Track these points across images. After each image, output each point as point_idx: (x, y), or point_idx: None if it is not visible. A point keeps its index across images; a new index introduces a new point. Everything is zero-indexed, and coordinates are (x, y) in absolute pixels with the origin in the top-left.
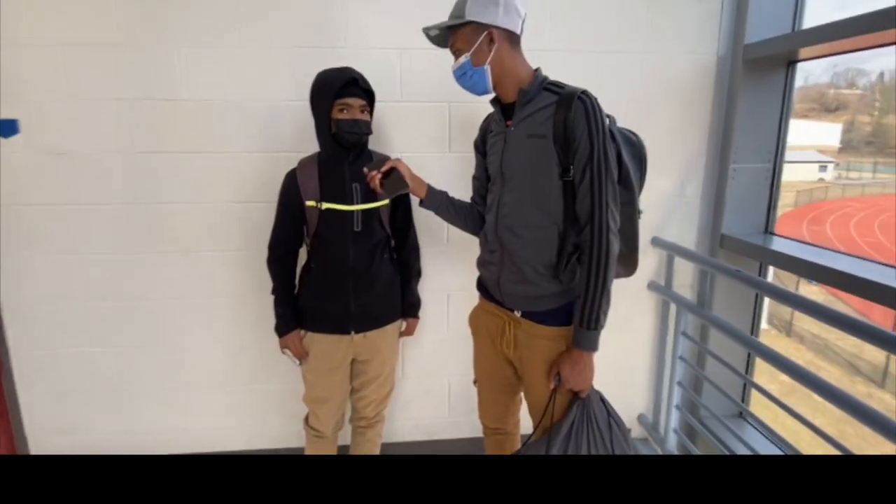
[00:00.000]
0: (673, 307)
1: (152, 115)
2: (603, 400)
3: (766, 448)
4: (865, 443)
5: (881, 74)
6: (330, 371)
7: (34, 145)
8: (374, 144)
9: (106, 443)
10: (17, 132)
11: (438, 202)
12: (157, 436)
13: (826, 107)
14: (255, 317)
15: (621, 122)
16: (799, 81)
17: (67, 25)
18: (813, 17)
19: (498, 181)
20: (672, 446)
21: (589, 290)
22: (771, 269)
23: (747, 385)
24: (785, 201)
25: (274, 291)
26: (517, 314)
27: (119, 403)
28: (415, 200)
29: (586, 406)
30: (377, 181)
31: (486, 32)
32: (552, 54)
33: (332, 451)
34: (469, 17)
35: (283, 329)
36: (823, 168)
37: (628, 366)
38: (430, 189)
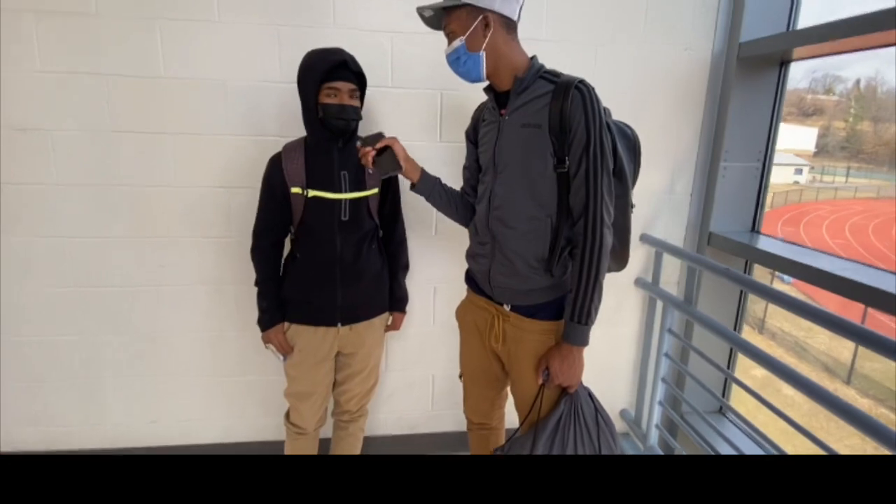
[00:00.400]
0: (659, 304)
1: (127, 92)
2: (591, 396)
3: (746, 443)
4: (831, 436)
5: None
6: (315, 365)
7: None
8: (362, 131)
9: (76, 434)
10: None
11: (431, 188)
12: (128, 427)
13: (804, 111)
14: (234, 305)
15: (614, 115)
16: None
17: None
18: (806, 19)
19: (490, 171)
20: (654, 442)
21: (581, 284)
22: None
23: (728, 380)
24: None
25: (257, 283)
26: (506, 308)
27: (89, 394)
28: (404, 185)
29: (574, 401)
30: (370, 158)
31: (481, 16)
32: (547, 44)
33: (314, 449)
34: None
35: (266, 322)
36: (799, 171)
37: (612, 361)
38: (424, 173)
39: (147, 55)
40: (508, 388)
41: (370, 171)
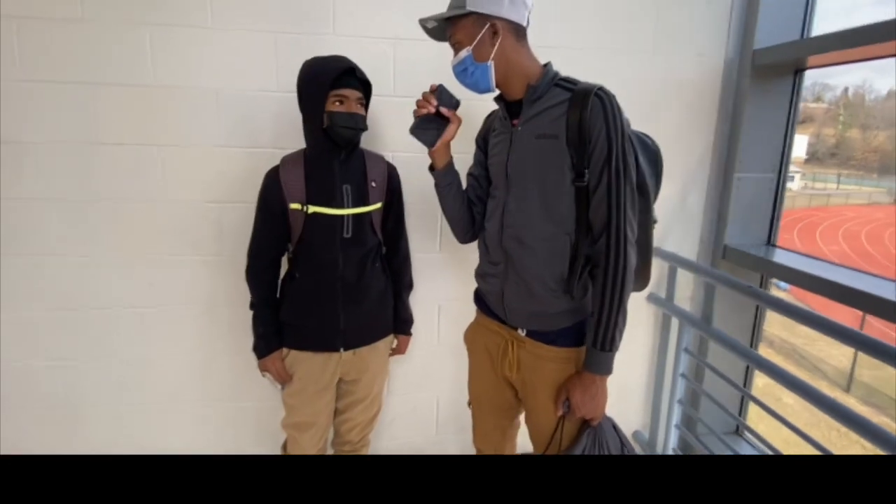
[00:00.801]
0: (674, 321)
1: (113, 101)
2: (615, 427)
3: None
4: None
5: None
6: (316, 393)
7: None
8: (363, 142)
9: None
10: None
11: (451, 179)
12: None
13: None
14: (227, 327)
15: None
16: None
17: None
18: (818, 27)
19: (501, 186)
20: None
21: (604, 308)
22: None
23: (745, 398)
24: None
25: (253, 306)
26: (521, 332)
27: (70, 422)
28: (408, 198)
29: (598, 435)
30: (426, 108)
31: (488, 24)
32: (555, 51)
33: None
34: (470, 7)
35: (263, 349)
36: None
37: (623, 380)
38: (450, 165)
39: (135, 62)
40: (521, 417)
41: (417, 117)
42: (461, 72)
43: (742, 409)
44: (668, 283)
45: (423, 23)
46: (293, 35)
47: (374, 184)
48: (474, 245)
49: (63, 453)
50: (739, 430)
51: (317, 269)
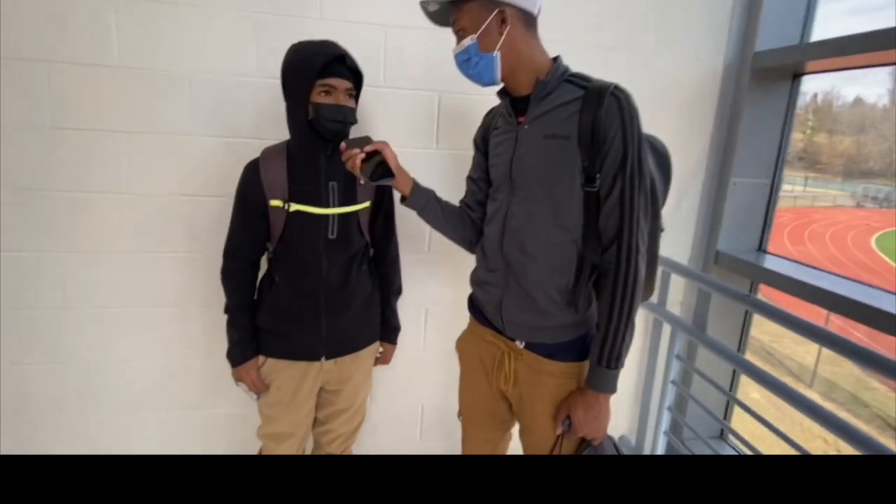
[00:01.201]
0: (666, 327)
1: (74, 82)
2: (616, 447)
3: None
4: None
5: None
6: (295, 404)
7: None
8: (352, 136)
9: None
10: None
11: (425, 201)
12: None
13: None
14: (199, 330)
15: None
16: None
17: None
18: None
19: (504, 188)
20: None
21: (612, 322)
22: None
23: (730, 403)
24: None
25: (228, 310)
26: (519, 344)
27: (24, 430)
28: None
29: (599, 454)
30: (357, 162)
31: (497, 10)
32: (552, 48)
33: None
34: None
35: (237, 358)
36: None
37: None
38: (416, 185)
39: (98, 40)
40: (512, 431)
41: (360, 182)
42: (464, 61)
43: (727, 413)
44: (661, 289)
45: (424, 5)
46: (275, 16)
47: (360, 180)
48: (464, 248)
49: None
50: (724, 434)
51: (298, 272)
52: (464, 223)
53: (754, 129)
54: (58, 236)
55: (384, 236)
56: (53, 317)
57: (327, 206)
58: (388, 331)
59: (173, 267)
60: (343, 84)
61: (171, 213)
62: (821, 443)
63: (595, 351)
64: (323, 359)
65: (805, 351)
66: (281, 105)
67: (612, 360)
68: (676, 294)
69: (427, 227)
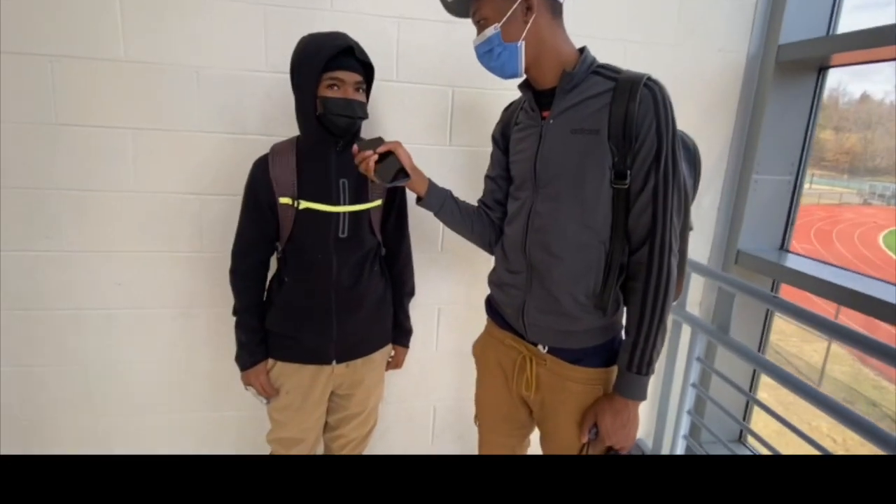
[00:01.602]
0: (685, 328)
1: (78, 77)
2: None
3: None
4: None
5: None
6: (305, 409)
7: None
8: (363, 132)
9: None
10: None
11: (441, 202)
12: None
13: None
14: (207, 332)
15: None
16: None
17: None
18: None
19: (528, 186)
20: None
21: (643, 327)
22: None
23: (749, 404)
24: None
25: (237, 312)
26: (542, 349)
27: (30, 435)
28: (410, 197)
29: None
30: (371, 164)
31: None
32: (575, 41)
33: None
34: None
35: (246, 361)
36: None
37: None
38: (432, 185)
39: (104, 34)
40: (531, 437)
41: (373, 181)
42: (485, 53)
43: (746, 415)
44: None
45: None
46: (285, 8)
47: (373, 180)
48: (479, 247)
49: None
50: (743, 436)
51: (308, 273)
52: (483, 224)
53: (778, 125)
54: (61, 235)
55: (396, 235)
56: (57, 318)
57: (338, 203)
58: (400, 333)
59: (180, 267)
60: (352, 77)
61: (177, 211)
62: (829, 442)
63: (625, 356)
64: (334, 363)
65: (812, 350)
66: (290, 100)
67: (643, 366)
68: (694, 295)
69: (440, 226)
